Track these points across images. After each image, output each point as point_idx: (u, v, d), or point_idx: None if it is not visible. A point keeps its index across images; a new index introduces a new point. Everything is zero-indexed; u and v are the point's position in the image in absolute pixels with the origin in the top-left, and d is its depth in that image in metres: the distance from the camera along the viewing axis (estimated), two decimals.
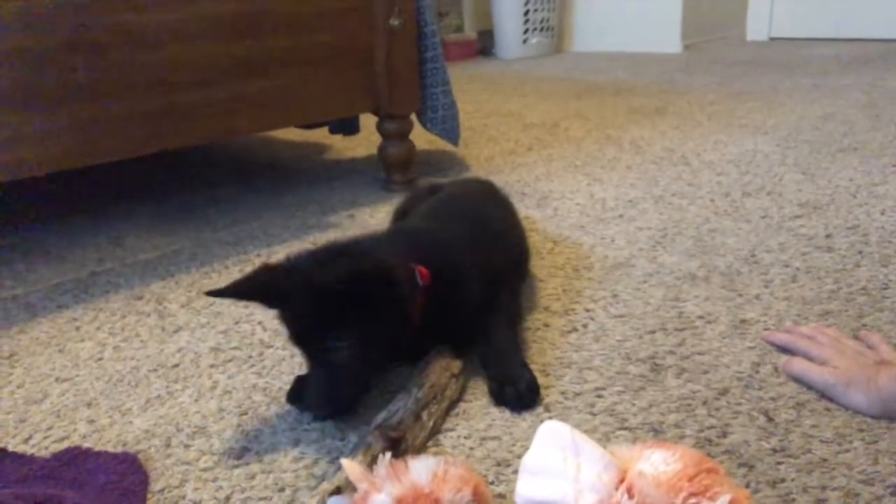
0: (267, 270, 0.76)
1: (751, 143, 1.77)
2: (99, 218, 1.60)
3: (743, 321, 0.92)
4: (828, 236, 1.16)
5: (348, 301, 0.71)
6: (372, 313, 0.72)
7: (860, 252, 1.09)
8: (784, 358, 0.81)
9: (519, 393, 0.76)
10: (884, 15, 3.45)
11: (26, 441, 0.79)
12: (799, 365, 0.78)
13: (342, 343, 0.73)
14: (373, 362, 0.78)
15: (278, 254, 1.29)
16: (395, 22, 1.49)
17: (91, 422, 0.82)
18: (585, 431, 0.69)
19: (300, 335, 0.75)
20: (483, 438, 0.73)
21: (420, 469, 0.56)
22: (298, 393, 0.80)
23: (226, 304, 1.10)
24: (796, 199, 1.34)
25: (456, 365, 0.82)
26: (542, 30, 4.07)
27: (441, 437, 0.74)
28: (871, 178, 1.42)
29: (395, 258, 0.76)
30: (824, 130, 1.84)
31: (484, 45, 4.37)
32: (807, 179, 1.46)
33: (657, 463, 0.48)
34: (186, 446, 0.76)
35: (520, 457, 0.68)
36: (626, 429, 0.72)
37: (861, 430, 0.69)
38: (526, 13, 3.96)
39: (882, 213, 1.24)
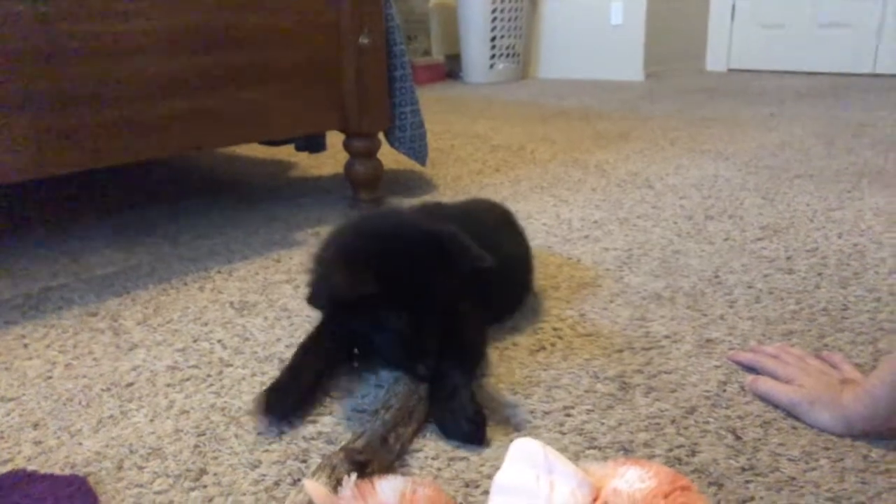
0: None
1: (712, 168, 1.81)
2: (54, 232, 1.55)
3: (708, 340, 0.92)
4: (788, 258, 1.18)
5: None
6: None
7: (820, 274, 1.11)
8: (750, 377, 0.82)
9: (458, 426, 0.74)
10: (835, 50, 3.59)
11: None
12: (765, 384, 0.79)
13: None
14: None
15: (239, 270, 1.26)
16: (364, 40, 1.49)
17: (37, 443, 0.77)
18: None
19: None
20: (451, 459, 0.71)
21: (387, 489, 0.55)
22: (276, 403, 0.78)
23: (184, 321, 1.06)
24: (757, 223, 1.37)
25: (424, 387, 0.80)
26: (508, 56, 4.13)
27: (408, 457, 0.72)
28: (828, 204, 1.46)
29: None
30: (782, 157, 1.89)
31: (451, 69, 4.42)
32: (767, 204, 1.49)
33: (632, 480, 0.47)
34: (140, 468, 0.72)
35: (489, 477, 0.66)
36: (595, 448, 0.71)
37: (827, 449, 0.69)
38: (492, 39, 4.02)
39: (839, 237, 1.27)
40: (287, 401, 0.79)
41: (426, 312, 0.76)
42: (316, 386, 0.83)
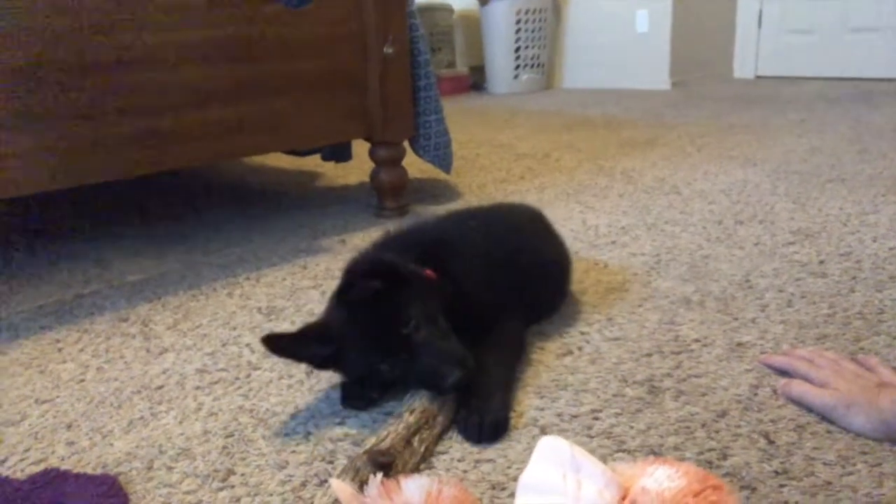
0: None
1: (741, 174, 1.78)
2: (87, 241, 1.58)
3: (739, 344, 0.90)
4: (821, 262, 1.16)
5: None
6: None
7: (854, 278, 1.09)
8: (782, 380, 0.80)
9: (481, 426, 0.74)
10: (865, 55, 3.53)
11: (2, 463, 0.75)
12: (798, 387, 0.77)
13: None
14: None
15: (267, 277, 1.27)
16: (389, 50, 1.51)
17: (70, 444, 0.79)
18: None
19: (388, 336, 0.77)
20: (477, 461, 0.71)
21: (413, 488, 0.54)
22: (344, 396, 0.83)
23: (213, 326, 1.08)
24: (788, 227, 1.35)
25: None
26: (532, 66, 4.13)
27: (434, 459, 0.71)
28: (862, 208, 1.43)
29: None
30: (813, 162, 1.86)
31: (476, 81, 4.43)
32: (798, 208, 1.46)
33: (661, 479, 0.46)
34: (169, 468, 0.73)
35: (515, 479, 0.66)
36: (624, 451, 0.70)
37: (864, 453, 0.67)
38: (517, 50, 4.03)
39: (874, 241, 1.24)
40: (356, 392, 0.83)
41: (406, 354, 0.76)
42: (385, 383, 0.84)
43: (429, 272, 0.83)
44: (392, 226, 0.95)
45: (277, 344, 0.78)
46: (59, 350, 1.03)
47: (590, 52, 4.11)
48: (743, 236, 1.31)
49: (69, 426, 0.82)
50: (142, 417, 0.83)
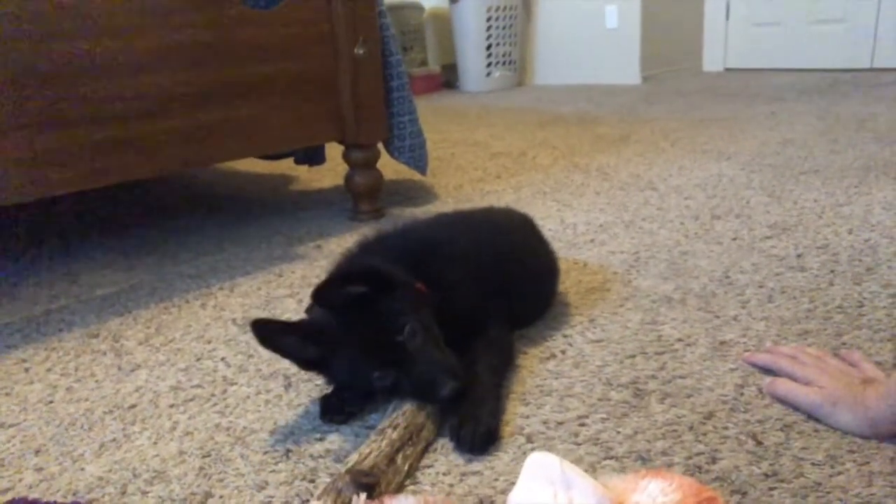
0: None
1: (715, 168, 1.79)
2: (54, 253, 1.53)
3: (722, 343, 0.90)
4: (799, 256, 1.16)
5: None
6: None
7: (832, 271, 1.09)
8: (767, 379, 0.79)
9: (473, 435, 0.72)
10: (831, 46, 3.58)
11: None
12: (783, 386, 0.76)
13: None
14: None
15: (242, 286, 1.24)
16: (360, 51, 1.48)
17: (39, 470, 0.75)
18: (570, 462, 0.65)
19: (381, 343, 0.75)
20: (463, 474, 0.69)
21: None
22: (324, 409, 0.80)
23: (186, 340, 1.05)
24: (765, 221, 1.35)
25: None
26: (504, 63, 4.12)
27: (419, 473, 0.70)
28: (836, 199, 1.44)
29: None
30: (785, 155, 1.87)
31: (448, 79, 4.41)
32: (773, 201, 1.47)
33: (654, 494, 0.45)
34: (144, 493, 0.70)
35: (504, 492, 0.64)
36: (612, 458, 0.69)
37: (852, 452, 0.67)
38: (488, 47, 4.02)
39: (849, 233, 1.25)
40: (335, 406, 0.80)
41: (399, 359, 0.74)
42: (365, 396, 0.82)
43: (419, 286, 0.81)
44: (368, 229, 0.92)
45: (266, 331, 0.74)
46: (26, 370, 0.99)
47: (561, 49, 4.11)
48: (720, 231, 1.31)
49: (37, 451, 0.79)
50: (114, 439, 0.80)
